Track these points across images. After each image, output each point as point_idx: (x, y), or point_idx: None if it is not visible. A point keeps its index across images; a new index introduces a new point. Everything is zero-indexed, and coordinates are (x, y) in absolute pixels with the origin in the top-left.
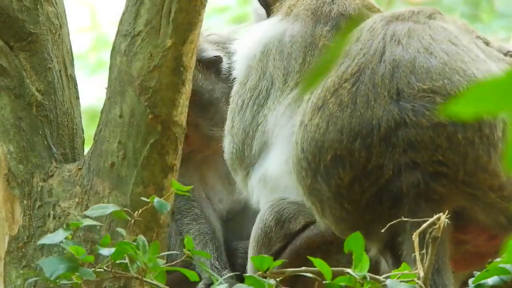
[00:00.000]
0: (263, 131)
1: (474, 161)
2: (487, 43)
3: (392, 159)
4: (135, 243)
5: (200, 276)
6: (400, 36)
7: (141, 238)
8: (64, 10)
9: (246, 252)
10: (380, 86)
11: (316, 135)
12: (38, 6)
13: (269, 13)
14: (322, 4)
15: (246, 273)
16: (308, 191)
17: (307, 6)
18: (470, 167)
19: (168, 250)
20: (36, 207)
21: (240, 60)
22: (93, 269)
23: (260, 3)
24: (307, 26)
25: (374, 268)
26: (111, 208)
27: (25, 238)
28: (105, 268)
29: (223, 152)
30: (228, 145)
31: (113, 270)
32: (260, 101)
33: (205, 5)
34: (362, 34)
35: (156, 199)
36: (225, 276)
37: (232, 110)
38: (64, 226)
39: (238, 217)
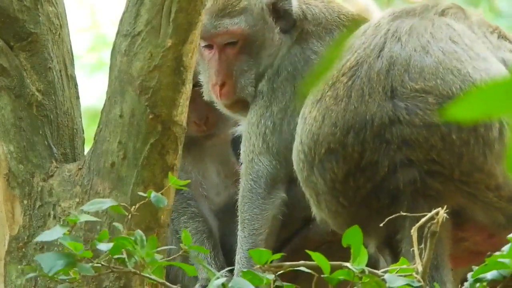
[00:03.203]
0: None
1: (470, 161)
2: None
3: (387, 155)
4: (133, 238)
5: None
6: (401, 33)
7: (139, 232)
8: (64, 10)
9: None
10: (375, 81)
11: (313, 128)
12: (38, 6)
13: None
14: (327, 15)
15: None
16: (305, 183)
17: (313, 21)
18: (466, 167)
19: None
20: (37, 207)
21: (265, 84)
22: (90, 264)
23: (287, 23)
24: (323, 39)
25: (373, 266)
26: (108, 203)
27: (25, 238)
28: (102, 263)
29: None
30: (267, 164)
31: (111, 265)
32: (294, 118)
33: (205, 5)
34: (368, 28)
35: (153, 193)
36: (223, 271)
37: (260, 133)
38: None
39: (234, 211)
